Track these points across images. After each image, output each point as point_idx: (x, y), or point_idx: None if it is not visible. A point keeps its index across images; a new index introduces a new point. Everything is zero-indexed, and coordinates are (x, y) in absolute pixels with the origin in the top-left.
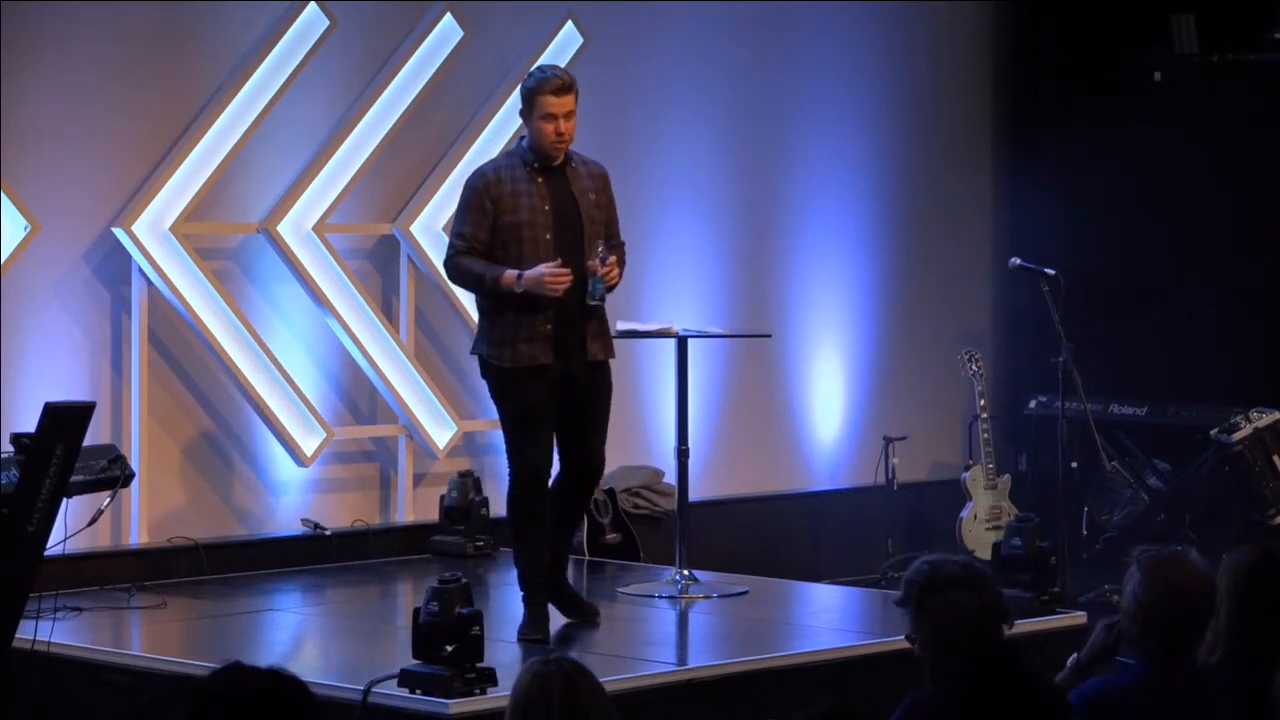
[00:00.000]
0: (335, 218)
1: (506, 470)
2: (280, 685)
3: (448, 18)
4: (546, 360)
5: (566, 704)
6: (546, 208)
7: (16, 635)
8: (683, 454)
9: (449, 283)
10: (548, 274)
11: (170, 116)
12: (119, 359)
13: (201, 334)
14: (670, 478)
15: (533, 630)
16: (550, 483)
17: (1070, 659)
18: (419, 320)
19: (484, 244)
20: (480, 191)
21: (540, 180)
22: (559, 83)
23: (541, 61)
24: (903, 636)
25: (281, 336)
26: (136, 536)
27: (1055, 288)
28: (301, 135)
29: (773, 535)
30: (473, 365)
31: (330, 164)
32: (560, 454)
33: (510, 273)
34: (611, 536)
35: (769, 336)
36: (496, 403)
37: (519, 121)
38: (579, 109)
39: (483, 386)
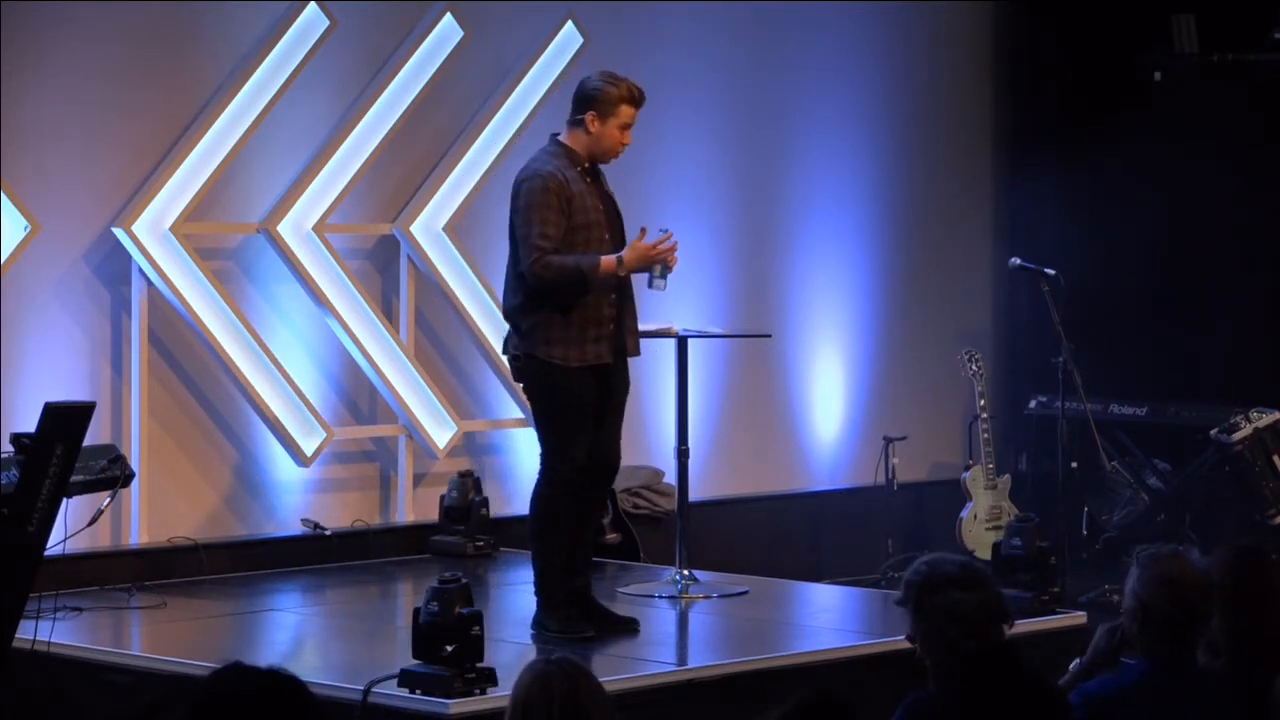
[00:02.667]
0: (335, 218)
1: (509, 470)
2: (280, 685)
3: (448, 18)
4: (609, 359)
5: (568, 704)
6: (601, 208)
7: (16, 635)
8: (683, 454)
9: (539, 284)
10: (652, 248)
11: (170, 116)
12: (119, 359)
13: (201, 334)
14: (670, 478)
15: (576, 628)
16: None
17: (1073, 663)
18: (419, 320)
19: (560, 243)
20: (554, 192)
21: (589, 182)
22: (640, 94)
23: (541, 62)
24: (903, 637)
25: (281, 336)
26: (136, 536)
27: (1055, 288)
28: (301, 135)
29: (773, 535)
30: (473, 365)
31: (330, 164)
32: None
33: (610, 258)
34: (611, 536)
35: (769, 336)
36: (545, 401)
37: (519, 121)
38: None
39: (483, 386)
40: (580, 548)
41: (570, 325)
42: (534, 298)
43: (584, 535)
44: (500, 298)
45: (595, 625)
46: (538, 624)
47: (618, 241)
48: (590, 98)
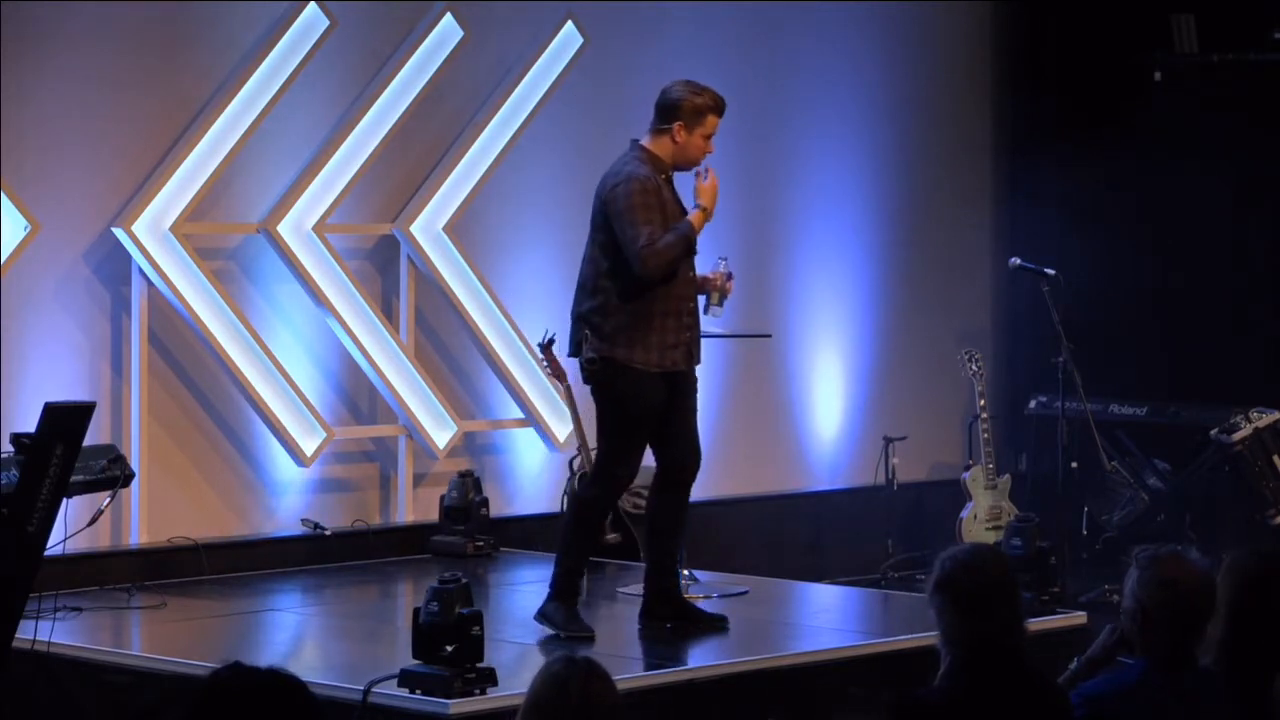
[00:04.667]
0: (335, 218)
1: (509, 470)
2: (280, 685)
3: (448, 18)
4: (683, 366)
5: (580, 708)
6: (680, 215)
7: (16, 635)
8: None
9: (658, 274)
10: (712, 187)
11: (170, 116)
12: (119, 359)
13: (201, 334)
14: None
15: (579, 626)
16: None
17: (1074, 661)
18: (419, 320)
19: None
20: (653, 193)
21: (670, 190)
22: (724, 103)
23: (541, 62)
24: (903, 636)
25: (281, 336)
26: (136, 536)
27: (1055, 288)
28: (301, 135)
29: (773, 535)
30: (473, 365)
31: (330, 164)
32: (668, 450)
33: (697, 213)
34: (611, 536)
35: (769, 336)
36: (618, 404)
37: (519, 121)
38: (583, 109)
39: (483, 386)
40: (670, 546)
41: (651, 332)
42: (619, 300)
43: (674, 540)
44: (574, 301)
45: (686, 623)
46: (542, 615)
47: (693, 249)
48: (676, 107)
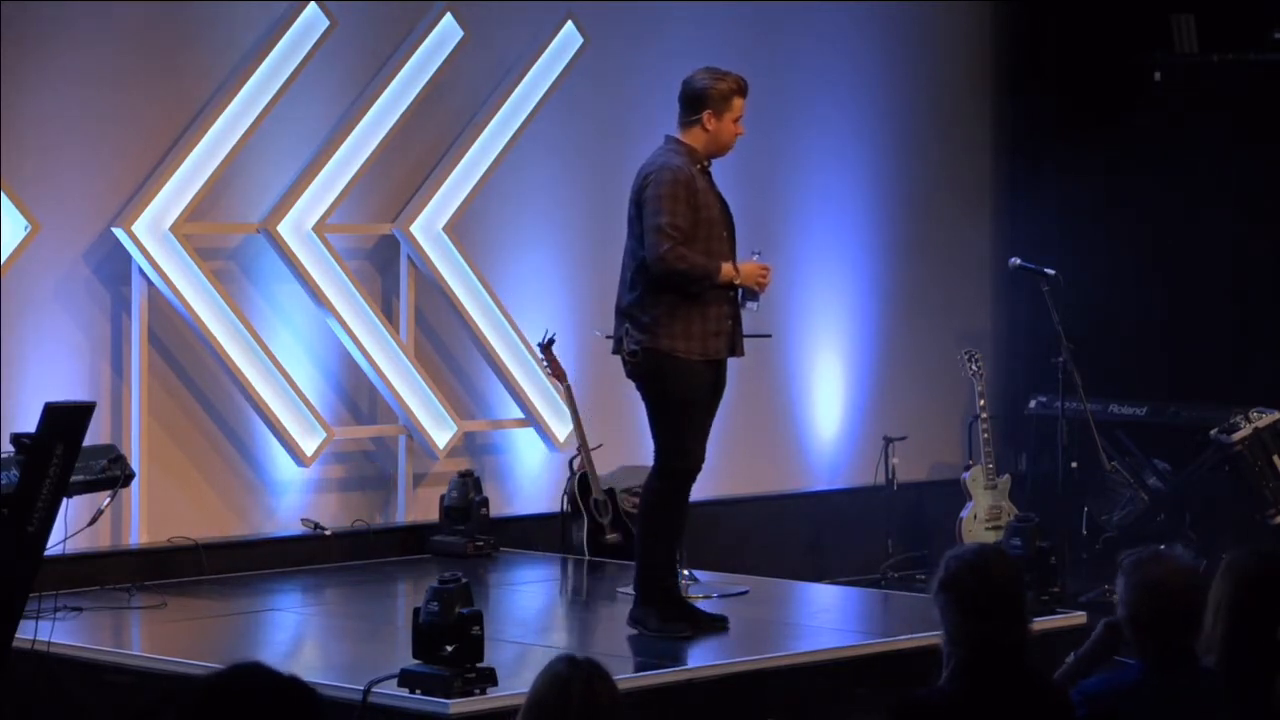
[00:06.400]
0: (335, 218)
1: (509, 470)
2: (295, 692)
3: (448, 18)
4: (725, 355)
5: (582, 708)
6: (718, 206)
7: (16, 635)
8: None
9: (667, 272)
10: (760, 271)
11: (170, 116)
12: (119, 359)
13: (201, 334)
14: None
15: (673, 627)
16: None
17: (1069, 656)
18: (419, 320)
19: (687, 235)
20: (684, 185)
21: (707, 180)
22: (747, 84)
23: (541, 62)
24: (903, 636)
25: (281, 336)
26: (136, 536)
27: (1055, 288)
28: (301, 135)
29: (773, 535)
30: (473, 365)
31: (330, 164)
32: None
33: (729, 266)
34: (611, 536)
35: (769, 336)
36: (665, 394)
37: (519, 121)
38: (583, 109)
39: (483, 386)
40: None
41: (692, 320)
42: (654, 291)
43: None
44: (617, 296)
45: (685, 623)
46: (635, 620)
47: (733, 239)
48: (704, 96)
